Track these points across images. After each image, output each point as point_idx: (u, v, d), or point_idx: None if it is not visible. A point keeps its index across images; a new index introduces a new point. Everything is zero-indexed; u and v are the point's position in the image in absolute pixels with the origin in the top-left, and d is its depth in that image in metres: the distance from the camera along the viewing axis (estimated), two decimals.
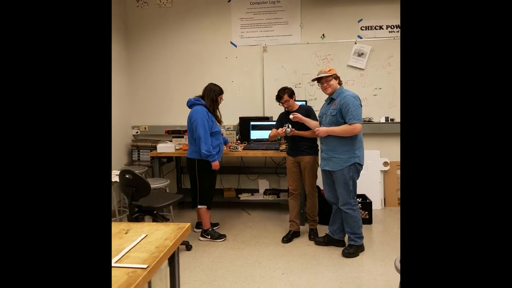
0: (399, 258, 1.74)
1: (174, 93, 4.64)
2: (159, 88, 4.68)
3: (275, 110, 4.02)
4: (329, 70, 3.01)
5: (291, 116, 3.22)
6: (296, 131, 3.25)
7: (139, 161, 4.46)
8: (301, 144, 3.32)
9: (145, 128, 4.69)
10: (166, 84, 4.66)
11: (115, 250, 1.33)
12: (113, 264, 1.22)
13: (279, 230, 3.67)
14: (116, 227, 1.55)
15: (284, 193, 4.26)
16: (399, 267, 1.68)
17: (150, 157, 4.17)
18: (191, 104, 3.33)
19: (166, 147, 3.89)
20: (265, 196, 4.25)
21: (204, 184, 3.32)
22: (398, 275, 2.54)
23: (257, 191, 4.43)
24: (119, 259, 1.25)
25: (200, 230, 3.49)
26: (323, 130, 2.98)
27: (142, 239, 1.42)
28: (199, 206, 3.35)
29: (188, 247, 3.23)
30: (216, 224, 3.74)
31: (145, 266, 1.20)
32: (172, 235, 1.46)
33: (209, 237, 3.42)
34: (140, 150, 4.45)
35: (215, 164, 3.26)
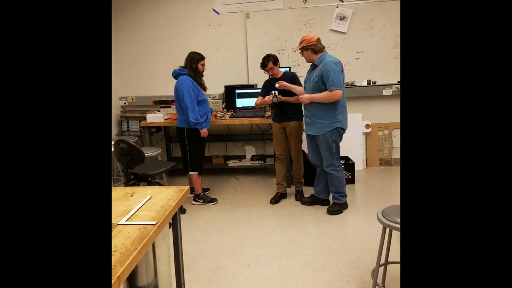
0: (381, 211, 1.93)
1: (159, 64, 4.63)
2: (144, 59, 4.67)
3: (259, 77, 4.10)
4: (301, 42, 3.11)
5: (277, 85, 3.32)
6: (282, 98, 3.37)
7: (128, 132, 4.52)
8: (287, 110, 3.45)
9: (132, 99, 4.71)
10: (150, 55, 4.65)
11: (124, 211, 1.46)
12: (124, 222, 1.35)
13: (267, 192, 3.86)
14: (122, 191, 1.68)
15: (270, 158, 4.43)
16: (381, 219, 1.87)
17: (140, 127, 4.23)
18: (176, 74, 3.38)
19: (155, 117, 3.96)
20: (252, 162, 4.42)
21: (194, 151, 3.44)
22: (380, 229, 2.76)
23: (244, 157, 4.58)
24: (130, 217, 1.39)
25: (193, 195, 3.65)
26: (306, 97, 3.11)
27: (148, 200, 1.55)
28: (190, 173, 3.49)
29: (182, 210, 3.40)
30: (207, 189, 3.90)
31: (154, 222, 1.34)
32: (174, 196, 1.60)
33: (201, 201, 3.59)
34: (129, 121, 4.50)
35: (204, 132, 3.37)
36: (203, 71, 3.42)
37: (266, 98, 3.41)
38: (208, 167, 4.37)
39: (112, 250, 1.15)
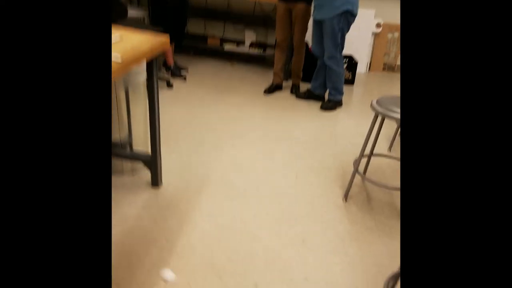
0: (375, 100, 1.77)
1: None
2: None
3: None
4: None
5: None
6: None
7: None
8: None
9: None
10: None
11: None
12: None
13: (262, 83, 3.67)
14: None
15: (270, 48, 4.12)
16: (376, 106, 1.72)
17: None
18: None
19: None
20: (250, 49, 4.12)
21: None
22: (367, 125, 2.65)
23: (242, 43, 4.26)
24: None
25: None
26: None
27: (116, 40, 1.35)
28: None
29: (169, 84, 3.25)
30: (186, 68, 3.70)
31: (119, 61, 1.16)
32: (149, 41, 1.40)
33: (170, 73, 3.43)
34: None
35: None
36: None
37: None
38: (203, 47, 4.10)
39: None
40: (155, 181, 1.90)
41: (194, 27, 4.27)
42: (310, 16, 3.17)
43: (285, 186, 2.02)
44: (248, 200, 1.87)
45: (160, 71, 3.39)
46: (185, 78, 3.50)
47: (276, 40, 3.40)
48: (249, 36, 4.24)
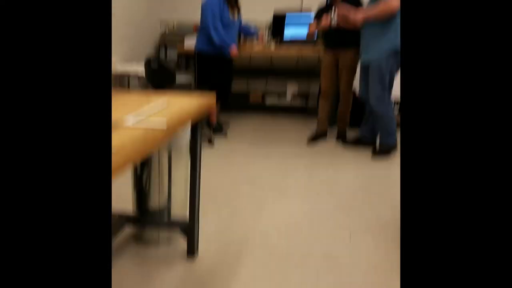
0: None
1: None
2: None
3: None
4: None
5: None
6: (341, 21, 2.90)
7: (166, 59, 4.33)
8: (345, 35, 3.02)
9: (173, 27, 4.42)
10: None
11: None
12: (131, 125, 1.16)
13: (305, 134, 3.59)
14: (137, 98, 1.48)
15: (313, 98, 4.09)
16: None
17: (178, 54, 4.03)
18: None
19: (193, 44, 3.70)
20: (292, 101, 4.11)
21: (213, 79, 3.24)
22: None
23: (284, 94, 4.26)
24: (139, 121, 1.19)
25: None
26: (359, 17, 2.70)
27: (163, 106, 1.35)
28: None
29: (210, 141, 3.27)
30: (227, 123, 3.72)
31: (164, 127, 1.13)
32: (195, 102, 1.38)
33: (212, 130, 3.44)
34: (168, 47, 4.28)
35: (234, 52, 3.12)
36: None
37: (323, 20, 3.01)
38: (245, 103, 4.16)
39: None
40: (191, 249, 1.73)
41: (237, 85, 4.38)
42: (358, 61, 3.10)
43: (337, 249, 1.83)
44: (293, 269, 1.69)
45: (203, 129, 3.44)
46: (226, 134, 3.51)
47: (320, 89, 3.35)
48: (291, 87, 4.25)
